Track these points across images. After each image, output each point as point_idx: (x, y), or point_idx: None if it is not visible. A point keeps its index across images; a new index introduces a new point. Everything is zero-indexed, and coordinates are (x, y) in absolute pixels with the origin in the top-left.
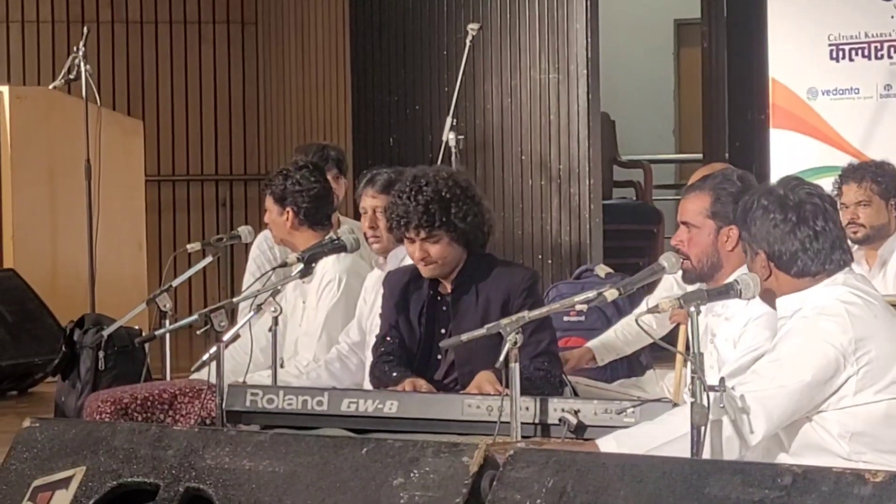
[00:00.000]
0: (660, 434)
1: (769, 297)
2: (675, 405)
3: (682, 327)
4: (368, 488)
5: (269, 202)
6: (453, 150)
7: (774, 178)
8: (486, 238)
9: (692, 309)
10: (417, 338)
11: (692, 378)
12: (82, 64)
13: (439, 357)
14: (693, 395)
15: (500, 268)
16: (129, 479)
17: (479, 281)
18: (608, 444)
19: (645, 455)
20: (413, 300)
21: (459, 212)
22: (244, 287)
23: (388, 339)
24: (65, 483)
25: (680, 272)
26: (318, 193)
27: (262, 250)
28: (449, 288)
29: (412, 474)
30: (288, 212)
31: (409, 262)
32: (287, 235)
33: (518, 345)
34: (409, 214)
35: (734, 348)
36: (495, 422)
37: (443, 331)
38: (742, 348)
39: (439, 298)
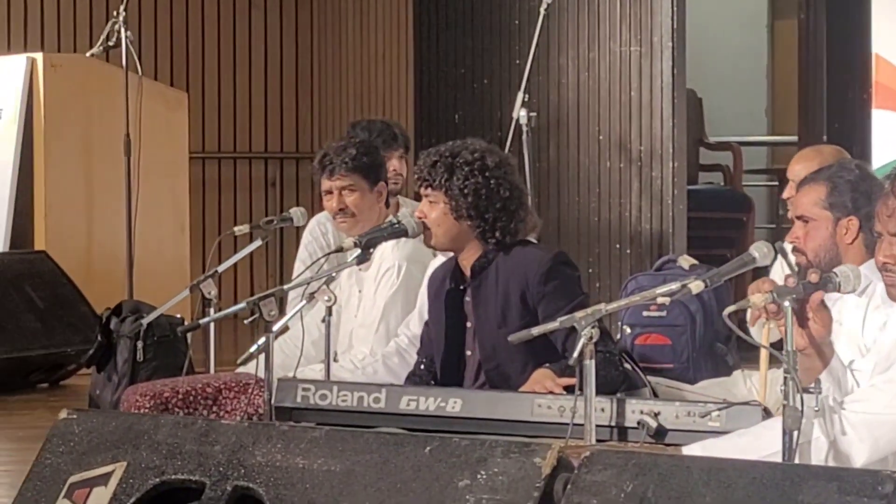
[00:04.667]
0: (753, 449)
1: None
2: (765, 408)
3: (764, 326)
4: (432, 490)
5: (355, 178)
6: (524, 128)
7: (876, 164)
8: (511, 234)
9: (786, 304)
10: (443, 334)
11: (785, 378)
12: (122, 30)
13: (468, 353)
14: (786, 397)
15: (519, 251)
16: (173, 477)
17: (499, 268)
18: (694, 451)
19: (733, 459)
20: (443, 295)
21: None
22: (294, 276)
23: (423, 365)
24: (104, 479)
25: (778, 264)
26: None
27: (315, 236)
28: (469, 277)
29: (479, 475)
30: (381, 187)
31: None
32: (377, 216)
33: (594, 340)
34: (420, 169)
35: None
36: (567, 423)
37: (468, 324)
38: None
39: (462, 289)
